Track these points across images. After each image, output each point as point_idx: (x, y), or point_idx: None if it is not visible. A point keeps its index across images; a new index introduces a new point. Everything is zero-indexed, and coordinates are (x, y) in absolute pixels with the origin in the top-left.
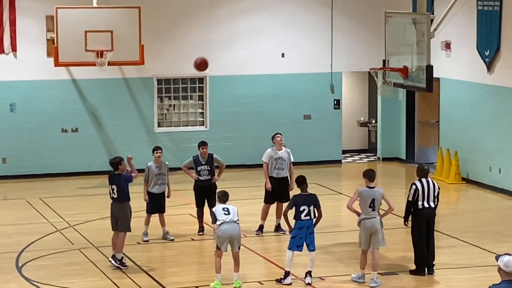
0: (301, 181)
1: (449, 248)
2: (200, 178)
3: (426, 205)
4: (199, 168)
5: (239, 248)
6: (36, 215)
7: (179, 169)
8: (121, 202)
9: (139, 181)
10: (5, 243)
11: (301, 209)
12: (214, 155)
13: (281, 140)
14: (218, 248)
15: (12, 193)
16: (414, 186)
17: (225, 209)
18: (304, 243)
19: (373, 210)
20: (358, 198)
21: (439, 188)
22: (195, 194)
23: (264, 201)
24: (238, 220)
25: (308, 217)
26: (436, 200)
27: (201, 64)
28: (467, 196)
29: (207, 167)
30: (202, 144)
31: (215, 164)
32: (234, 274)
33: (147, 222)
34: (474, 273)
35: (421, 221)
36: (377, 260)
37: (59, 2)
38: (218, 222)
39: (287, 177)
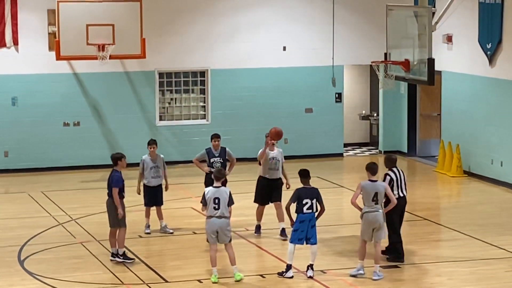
0: (305, 174)
1: (451, 241)
2: (212, 170)
3: (401, 194)
4: (212, 160)
5: (230, 241)
6: (38, 208)
7: (181, 162)
8: (110, 198)
9: (135, 176)
10: (7, 237)
11: (304, 202)
12: (227, 149)
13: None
14: (208, 241)
15: (14, 187)
16: (389, 177)
17: (216, 201)
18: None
19: (376, 203)
20: (361, 192)
21: (405, 176)
22: (206, 187)
23: (255, 201)
24: (226, 213)
25: (310, 210)
26: (405, 188)
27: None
28: (468, 189)
29: (220, 160)
30: (215, 136)
31: (226, 158)
32: (232, 267)
33: (147, 215)
34: (476, 266)
35: (397, 211)
36: (378, 253)
37: None
38: (206, 213)
39: (280, 178)
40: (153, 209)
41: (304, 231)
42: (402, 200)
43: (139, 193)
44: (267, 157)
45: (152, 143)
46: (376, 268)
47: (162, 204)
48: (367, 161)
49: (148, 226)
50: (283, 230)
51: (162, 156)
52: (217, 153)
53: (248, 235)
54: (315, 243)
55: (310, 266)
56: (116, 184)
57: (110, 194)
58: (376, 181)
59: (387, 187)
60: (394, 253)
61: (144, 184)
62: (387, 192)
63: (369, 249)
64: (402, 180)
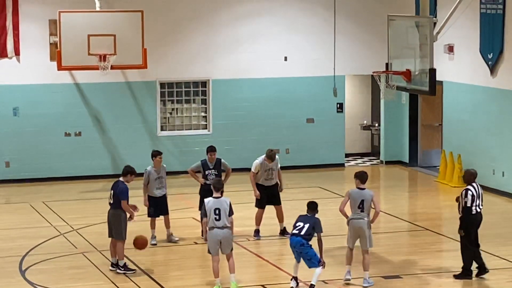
0: (312, 207)
1: (453, 251)
2: (207, 182)
3: (478, 209)
4: (207, 172)
5: (231, 250)
6: (39, 219)
7: (183, 172)
8: (115, 209)
9: (139, 186)
10: (9, 247)
11: (296, 224)
12: (222, 160)
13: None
14: (209, 252)
15: (15, 197)
16: (470, 192)
17: (217, 212)
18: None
19: (362, 211)
20: (349, 199)
21: (482, 190)
22: (200, 197)
23: (256, 206)
24: (228, 223)
25: (297, 231)
26: (482, 203)
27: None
28: None
29: (214, 172)
30: (211, 150)
31: (222, 168)
32: (230, 275)
33: (153, 226)
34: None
35: (474, 227)
36: (367, 260)
37: (62, 6)
38: (208, 224)
39: (276, 183)
40: (159, 219)
41: (295, 254)
42: (479, 216)
43: (146, 205)
44: (263, 170)
45: (159, 153)
46: (365, 275)
47: (167, 213)
48: (369, 171)
49: (154, 238)
50: (284, 229)
51: (164, 165)
52: (212, 165)
53: (249, 245)
54: (311, 267)
55: (311, 286)
56: (124, 197)
57: (114, 205)
58: (364, 189)
59: (374, 195)
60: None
61: (148, 195)
62: (373, 200)
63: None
64: (480, 195)
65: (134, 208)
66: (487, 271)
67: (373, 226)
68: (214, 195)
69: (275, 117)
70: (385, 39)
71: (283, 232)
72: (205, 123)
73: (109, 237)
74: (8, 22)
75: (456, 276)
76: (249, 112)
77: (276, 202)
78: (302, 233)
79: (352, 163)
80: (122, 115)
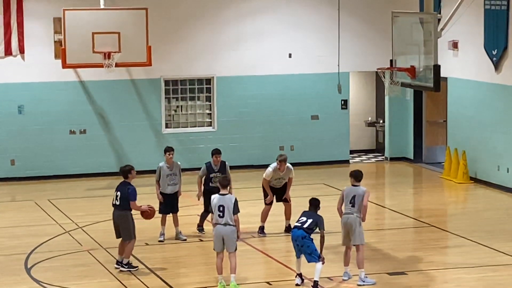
0: (314, 204)
1: (458, 247)
2: (211, 184)
3: None
4: (211, 175)
5: (235, 250)
6: (45, 216)
7: (187, 169)
8: (122, 210)
9: (150, 182)
10: (14, 245)
11: (300, 219)
12: (226, 163)
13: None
14: (214, 249)
15: (21, 195)
16: None
17: (221, 209)
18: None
19: (353, 206)
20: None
21: None
22: (204, 199)
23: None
24: (231, 221)
25: (299, 224)
26: None
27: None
28: (475, 195)
29: (219, 175)
30: (216, 152)
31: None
32: (230, 276)
33: (163, 223)
34: (483, 272)
35: None
36: (360, 257)
37: (66, 4)
38: (213, 221)
39: (285, 183)
40: (169, 216)
41: (295, 248)
42: None
43: (160, 199)
44: (273, 178)
45: (170, 150)
46: (360, 273)
47: (177, 211)
48: (373, 168)
49: (162, 234)
50: (289, 226)
51: (179, 163)
52: (217, 168)
53: (254, 242)
54: (312, 261)
55: (315, 283)
56: (133, 198)
57: (121, 207)
58: (358, 186)
59: (367, 191)
60: None
61: (160, 191)
62: (364, 196)
63: (371, 255)
64: None
65: (151, 208)
66: None
67: (379, 223)
68: (220, 192)
69: (280, 114)
70: (389, 36)
71: (288, 229)
72: (209, 120)
73: (117, 238)
74: (13, 20)
75: None
76: (254, 109)
77: (286, 200)
78: (305, 226)
79: (357, 159)
80: (127, 113)
